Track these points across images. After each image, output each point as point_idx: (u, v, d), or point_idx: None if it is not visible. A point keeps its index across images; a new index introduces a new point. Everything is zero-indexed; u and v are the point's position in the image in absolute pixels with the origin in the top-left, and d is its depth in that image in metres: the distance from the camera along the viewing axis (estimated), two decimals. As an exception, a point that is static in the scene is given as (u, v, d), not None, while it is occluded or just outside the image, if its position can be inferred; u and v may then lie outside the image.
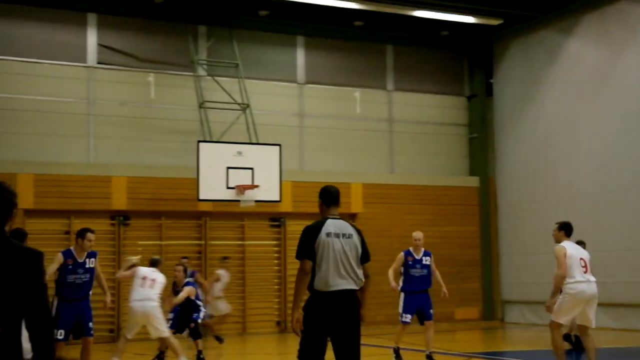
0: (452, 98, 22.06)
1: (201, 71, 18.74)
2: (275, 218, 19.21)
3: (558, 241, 10.04)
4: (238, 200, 17.36)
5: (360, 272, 6.89)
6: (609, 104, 18.19)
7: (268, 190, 17.57)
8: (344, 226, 6.98)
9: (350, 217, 19.51)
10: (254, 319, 18.71)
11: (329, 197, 7.17)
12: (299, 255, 6.81)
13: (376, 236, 18.39)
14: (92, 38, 18.12)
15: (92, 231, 10.03)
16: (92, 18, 18.04)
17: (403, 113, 21.22)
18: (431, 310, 11.79)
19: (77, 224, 16.67)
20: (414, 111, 21.39)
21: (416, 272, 12.10)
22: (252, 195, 17.33)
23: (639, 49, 17.67)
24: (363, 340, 6.72)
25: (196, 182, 16.78)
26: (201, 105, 18.29)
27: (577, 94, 19.14)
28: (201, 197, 17.00)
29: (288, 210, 18.87)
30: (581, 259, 9.79)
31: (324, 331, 6.83)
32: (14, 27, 17.67)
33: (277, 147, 17.78)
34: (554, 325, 9.74)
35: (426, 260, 12.17)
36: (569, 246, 9.88)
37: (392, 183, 20.53)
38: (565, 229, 10.13)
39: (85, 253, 10.05)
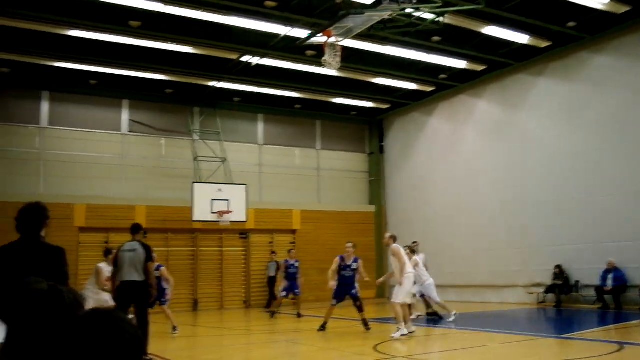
0: (358, 154, 25.10)
1: (195, 137, 21.59)
2: (243, 233, 21.61)
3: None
4: (218, 221, 19.69)
5: (141, 270, 8.92)
6: (454, 160, 21.47)
7: (238, 214, 19.97)
8: (134, 244, 9.18)
9: (291, 232, 22.34)
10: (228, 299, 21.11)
11: (132, 229, 9.48)
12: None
13: (308, 244, 21.76)
14: (125, 115, 20.89)
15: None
16: (125, 103, 20.91)
17: (327, 164, 24.16)
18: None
19: (114, 237, 18.61)
20: (334, 162, 24.35)
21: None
22: (227, 217, 19.74)
23: (471, 128, 20.94)
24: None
25: (191, 209, 19.43)
26: (195, 159, 21.28)
27: (435, 154, 22.24)
28: (194, 219, 19.56)
29: (252, 227, 21.49)
30: None
31: (126, 303, 8.92)
32: (73, 108, 19.97)
33: (244, 186, 20.42)
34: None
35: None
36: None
37: (320, 210, 23.26)
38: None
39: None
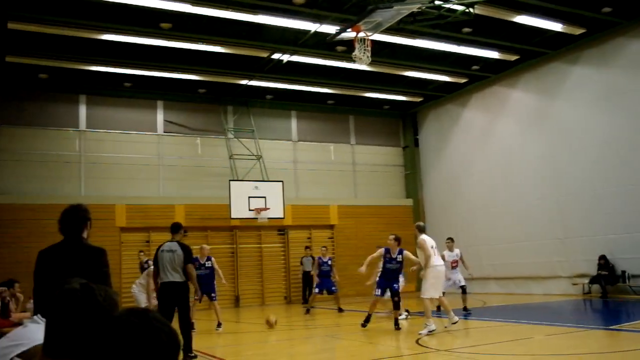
0: (393, 148, 25.08)
1: (230, 135, 21.67)
2: (281, 229, 21.83)
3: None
4: (256, 218, 19.94)
5: (181, 271, 8.92)
6: (490, 151, 21.14)
7: (275, 211, 20.16)
8: (173, 245, 9.08)
9: (329, 228, 22.41)
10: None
11: (172, 228, 9.37)
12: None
13: (346, 239, 21.87)
14: (160, 115, 21.05)
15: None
16: (160, 103, 21.11)
17: (362, 158, 24.20)
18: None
19: (154, 236, 19.06)
20: (369, 157, 24.34)
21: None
22: (265, 214, 19.98)
23: (506, 119, 20.55)
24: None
25: (229, 207, 19.56)
26: (230, 157, 21.39)
27: (470, 145, 21.97)
28: (232, 217, 19.67)
29: (289, 223, 21.62)
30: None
31: (168, 304, 8.84)
32: (109, 110, 20.20)
33: (281, 183, 20.57)
34: None
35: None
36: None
37: (357, 204, 23.20)
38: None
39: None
